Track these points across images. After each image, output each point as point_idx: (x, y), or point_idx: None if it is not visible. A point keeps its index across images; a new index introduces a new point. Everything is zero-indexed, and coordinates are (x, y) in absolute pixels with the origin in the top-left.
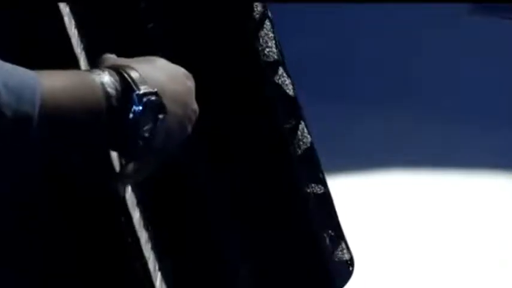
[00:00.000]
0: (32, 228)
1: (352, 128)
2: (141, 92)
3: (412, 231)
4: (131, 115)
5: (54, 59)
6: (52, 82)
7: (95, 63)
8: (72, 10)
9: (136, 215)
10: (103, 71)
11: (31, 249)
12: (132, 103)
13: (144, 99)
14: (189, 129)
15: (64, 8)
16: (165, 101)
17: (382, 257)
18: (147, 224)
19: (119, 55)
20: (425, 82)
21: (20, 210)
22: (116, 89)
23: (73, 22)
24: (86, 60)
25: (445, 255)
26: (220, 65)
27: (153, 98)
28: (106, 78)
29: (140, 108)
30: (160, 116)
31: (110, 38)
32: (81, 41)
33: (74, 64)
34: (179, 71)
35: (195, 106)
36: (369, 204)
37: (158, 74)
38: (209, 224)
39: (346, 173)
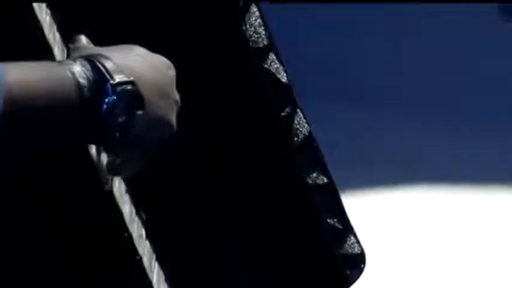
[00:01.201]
0: (8, 230)
1: (377, 134)
2: (116, 81)
3: (433, 247)
4: (104, 106)
5: (26, 47)
6: (18, 73)
7: (68, 51)
8: None
9: (126, 208)
10: (74, 60)
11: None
12: (106, 93)
13: (118, 89)
14: (173, 119)
15: None
16: (144, 91)
17: (399, 272)
18: (139, 218)
19: (93, 41)
20: (460, 89)
21: None
22: (88, 79)
23: (44, 8)
24: (61, 49)
25: (466, 271)
26: (204, 51)
27: (128, 87)
28: (77, 68)
29: (114, 98)
30: (137, 106)
31: (85, 24)
32: (55, 28)
33: (47, 53)
34: (159, 59)
35: (177, 96)
36: (389, 219)
37: (136, 63)
38: (203, 219)
39: (368, 184)
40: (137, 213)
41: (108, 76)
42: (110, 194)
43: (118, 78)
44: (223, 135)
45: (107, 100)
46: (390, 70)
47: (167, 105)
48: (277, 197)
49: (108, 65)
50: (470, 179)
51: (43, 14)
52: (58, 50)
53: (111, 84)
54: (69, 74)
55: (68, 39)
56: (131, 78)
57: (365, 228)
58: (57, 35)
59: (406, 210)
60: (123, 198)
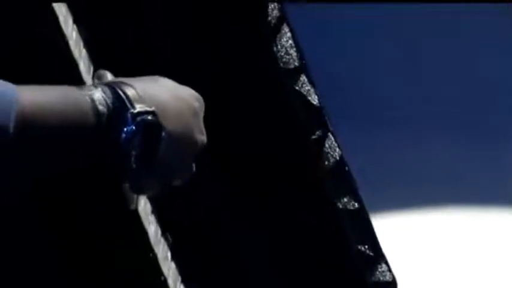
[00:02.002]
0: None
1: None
2: (136, 110)
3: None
4: (123, 135)
5: (52, 62)
6: (33, 95)
7: (96, 68)
8: (70, 9)
9: (151, 229)
10: (96, 86)
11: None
12: (125, 122)
13: (138, 119)
14: (196, 152)
15: (60, 8)
16: (165, 121)
17: None
18: (165, 239)
19: (119, 58)
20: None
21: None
22: (108, 106)
23: (70, 23)
24: (87, 65)
25: None
26: (235, 72)
27: (149, 117)
28: (97, 95)
29: (133, 127)
30: (157, 138)
31: (112, 41)
32: (81, 44)
33: (73, 68)
34: (185, 90)
35: (203, 128)
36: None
37: (160, 92)
38: (233, 241)
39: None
40: (163, 234)
41: (128, 104)
42: (136, 213)
43: (139, 107)
44: (252, 157)
45: (125, 129)
46: (410, 86)
47: (190, 136)
48: (308, 222)
49: (130, 92)
50: (504, 200)
51: (69, 29)
52: (84, 65)
53: (131, 113)
54: (87, 99)
55: (93, 55)
56: (152, 108)
57: (395, 251)
58: (84, 51)
59: (439, 232)
60: (149, 219)
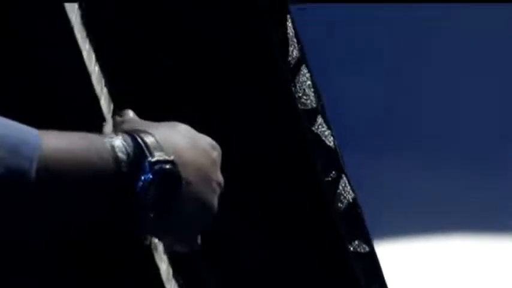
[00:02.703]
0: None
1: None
2: (154, 159)
3: None
4: (140, 183)
5: (73, 96)
6: (56, 141)
7: (115, 102)
8: (92, 44)
9: (163, 266)
10: (116, 134)
11: None
12: (143, 171)
13: (156, 167)
14: (214, 202)
15: (83, 43)
16: (184, 170)
17: None
18: (175, 280)
19: (138, 93)
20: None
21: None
22: (128, 154)
23: (93, 58)
24: (107, 101)
25: None
26: (252, 111)
27: (167, 166)
28: (118, 142)
29: (150, 176)
30: (175, 187)
31: (132, 75)
32: (103, 81)
33: (94, 103)
34: (203, 138)
35: (220, 178)
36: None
37: (178, 140)
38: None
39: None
40: (174, 274)
41: (147, 153)
42: (149, 249)
43: (157, 155)
44: (268, 195)
45: (143, 178)
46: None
47: (208, 187)
48: (318, 263)
49: (149, 140)
50: (502, 226)
51: (92, 64)
52: (104, 101)
53: (149, 162)
54: (108, 147)
55: (113, 93)
56: (171, 157)
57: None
58: (105, 88)
59: (439, 259)
60: (161, 256)
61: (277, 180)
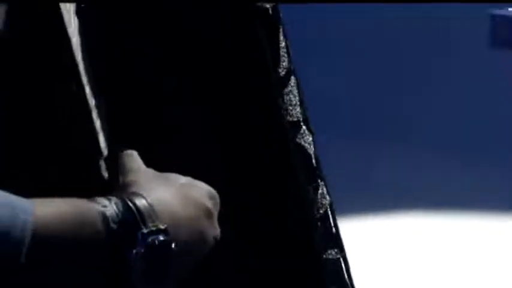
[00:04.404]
0: None
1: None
2: (147, 230)
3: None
4: (133, 256)
5: (72, 130)
6: (48, 220)
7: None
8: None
9: None
10: (109, 201)
11: None
12: (135, 243)
13: (149, 240)
14: (205, 252)
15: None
16: (176, 232)
17: None
18: None
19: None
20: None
21: None
22: (120, 223)
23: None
24: (107, 138)
25: None
26: (236, 122)
27: (160, 237)
28: (110, 211)
29: (142, 250)
30: (167, 259)
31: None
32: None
33: (92, 139)
34: (198, 190)
35: (216, 230)
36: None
37: (171, 198)
38: None
39: (365, 214)
40: None
41: (140, 222)
42: None
43: (151, 225)
44: (250, 209)
45: (134, 252)
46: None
47: (202, 242)
48: (294, 272)
49: (142, 206)
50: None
51: (93, 99)
52: (103, 137)
53: (142, 234)
54: (100, 218)
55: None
56: (164, 226)
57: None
58: (105, 125)
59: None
60: None
61: (264, 193)
